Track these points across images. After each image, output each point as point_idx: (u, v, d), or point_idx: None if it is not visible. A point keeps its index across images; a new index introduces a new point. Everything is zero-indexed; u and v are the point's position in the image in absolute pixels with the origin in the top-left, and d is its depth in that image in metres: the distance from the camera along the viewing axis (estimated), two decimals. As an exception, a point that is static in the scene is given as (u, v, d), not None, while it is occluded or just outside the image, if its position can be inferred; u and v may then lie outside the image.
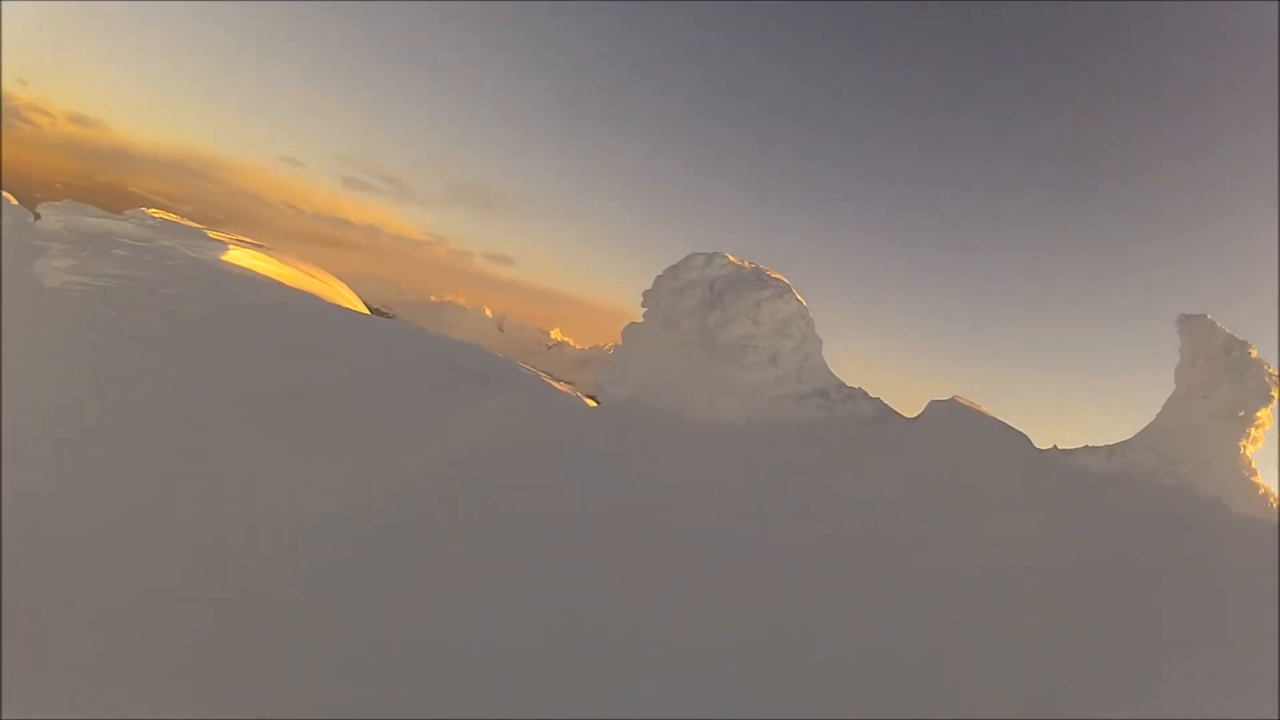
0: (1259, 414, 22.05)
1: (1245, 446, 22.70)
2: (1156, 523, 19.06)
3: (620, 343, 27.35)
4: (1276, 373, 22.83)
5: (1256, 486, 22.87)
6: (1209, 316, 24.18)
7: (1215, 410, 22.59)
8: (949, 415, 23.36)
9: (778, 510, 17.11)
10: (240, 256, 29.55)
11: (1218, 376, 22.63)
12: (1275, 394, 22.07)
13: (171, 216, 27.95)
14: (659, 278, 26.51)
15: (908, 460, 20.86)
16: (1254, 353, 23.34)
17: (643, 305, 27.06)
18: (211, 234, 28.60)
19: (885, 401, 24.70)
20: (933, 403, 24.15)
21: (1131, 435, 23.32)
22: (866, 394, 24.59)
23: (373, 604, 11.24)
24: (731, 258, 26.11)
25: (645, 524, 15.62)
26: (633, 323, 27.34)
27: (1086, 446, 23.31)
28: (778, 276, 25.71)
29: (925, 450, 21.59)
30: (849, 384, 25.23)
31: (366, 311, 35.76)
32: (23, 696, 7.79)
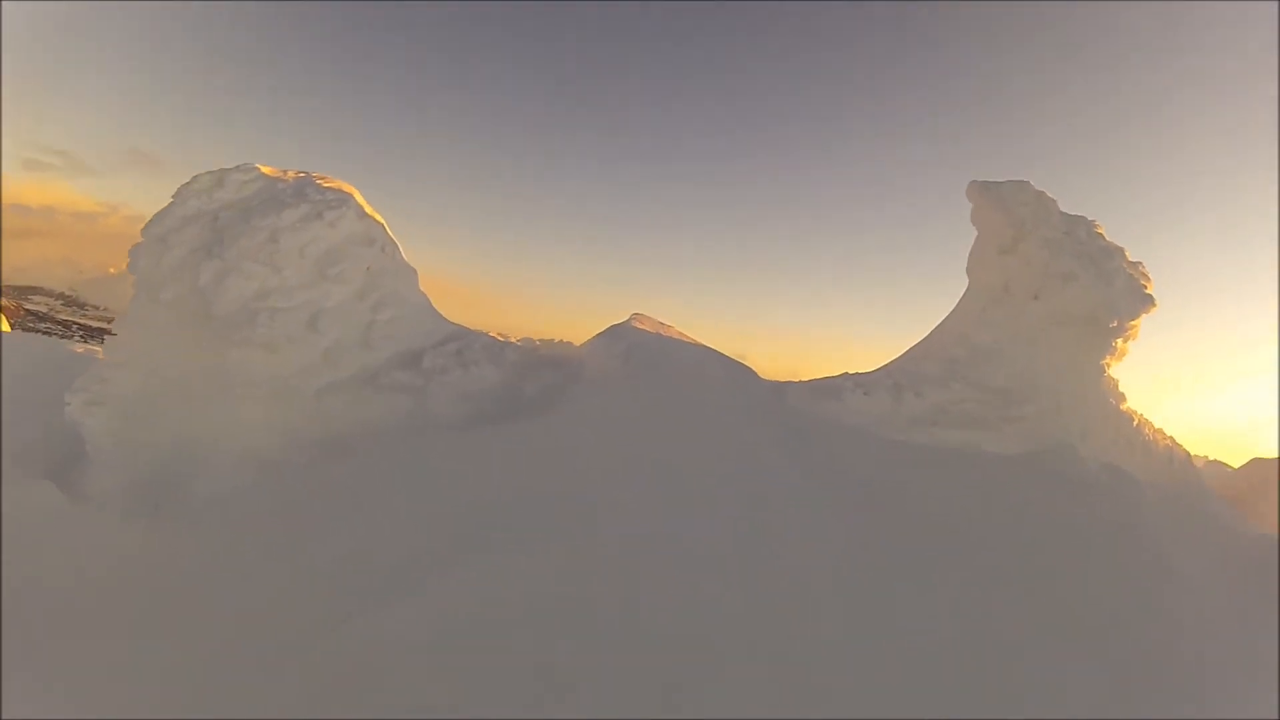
0: (1133, 324, 11.97)
1: (1109, 365, 12.51)
2: (1029, 519, 9.28)
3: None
4: (1143, 265, 13.02)
5: (1129, 418, 12.70)
6: (1032, 184, 13.93)
7: (1060, 316, 12.32)
8: (628, 349, 11.84)
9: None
10: None
11: (1064, 269, 12.35)
12: (1152, 291, 12.14)
13: None
14: (148, 225, 13.14)
15: (562, 439, 9.80)
16: (1100, 230, 13.37)
17: (129, 269, 13.50)
18: None
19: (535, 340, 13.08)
20: (606, 332, 12.82)
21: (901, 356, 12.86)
22: (494, 340, 12.69)
23: None
24: (265, 169, 13.14)
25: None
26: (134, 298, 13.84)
27: (846, 375, 12.57)
28: (336, 185, 12.98)
29: (592, 414, 10.69)
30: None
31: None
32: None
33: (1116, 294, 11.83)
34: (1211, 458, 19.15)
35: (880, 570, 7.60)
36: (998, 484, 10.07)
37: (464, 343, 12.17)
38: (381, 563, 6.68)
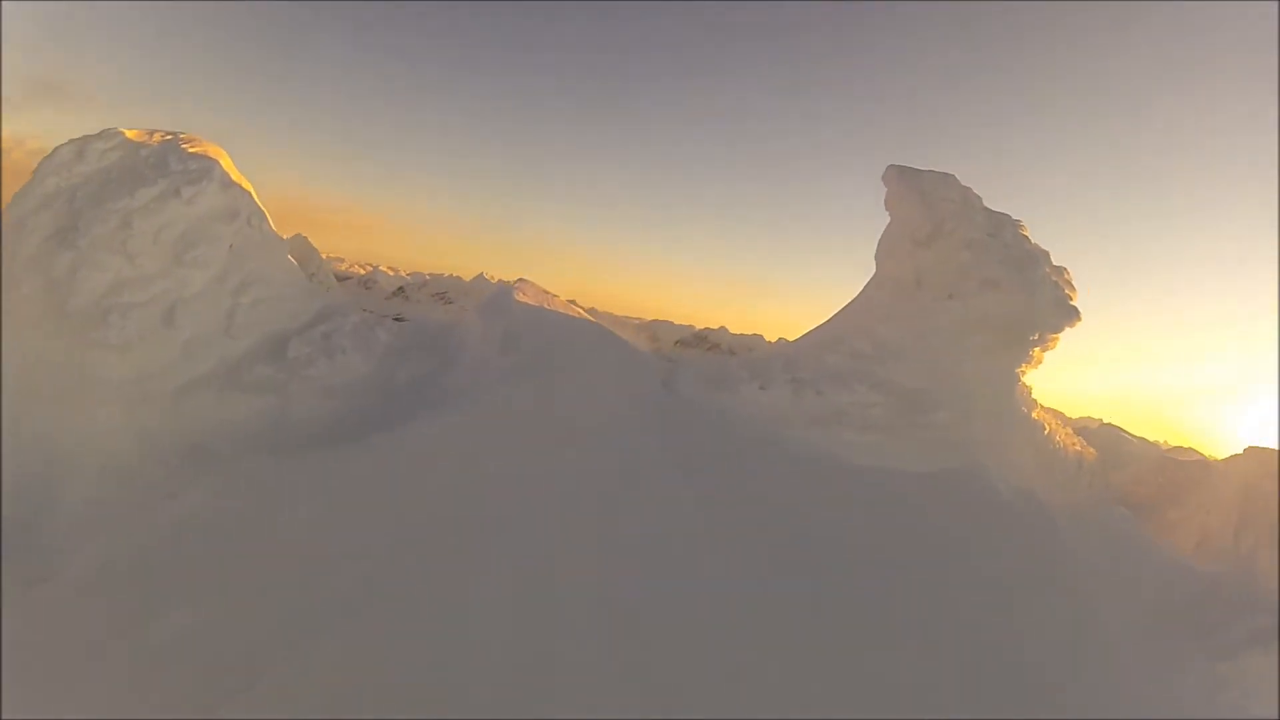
0: (1054, 336, 11.21)
1: (1025, 373, 11.78)
2: (939, 555, 8.06)
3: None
4: (1068, 272, 12.13)
5: (1040, 426, 12.07)
6: (955, 176, 12.89)
7: (977, 321, 11.46)
8: (507, 331, 11.01)
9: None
10: None
11: (986, 274, 11.44)
12: (1076, 302, 11.32)
13: None
14: (8, 206, 12.10)
15: (429, 459, 8.54)
16: (1025, 231, 12.43)
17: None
18: None
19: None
20: (486, 304, 12.18)
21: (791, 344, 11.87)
22: (366, 318, 11.92)
23: None
24: (129, 133, 11.79)
25: None
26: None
27: (741, 359, 11.81)
28: (202, 149, 11.65)
29: (464, 426, 9.42)
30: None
31: None
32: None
33: (1040, 305, 11.00)
34: (1106, 420, 18.81)
35: (771, 612, 6.67)
36: (906, 510, 9.13)
37: (333, 324, 11.14)
38: (226, 650, 5.68)
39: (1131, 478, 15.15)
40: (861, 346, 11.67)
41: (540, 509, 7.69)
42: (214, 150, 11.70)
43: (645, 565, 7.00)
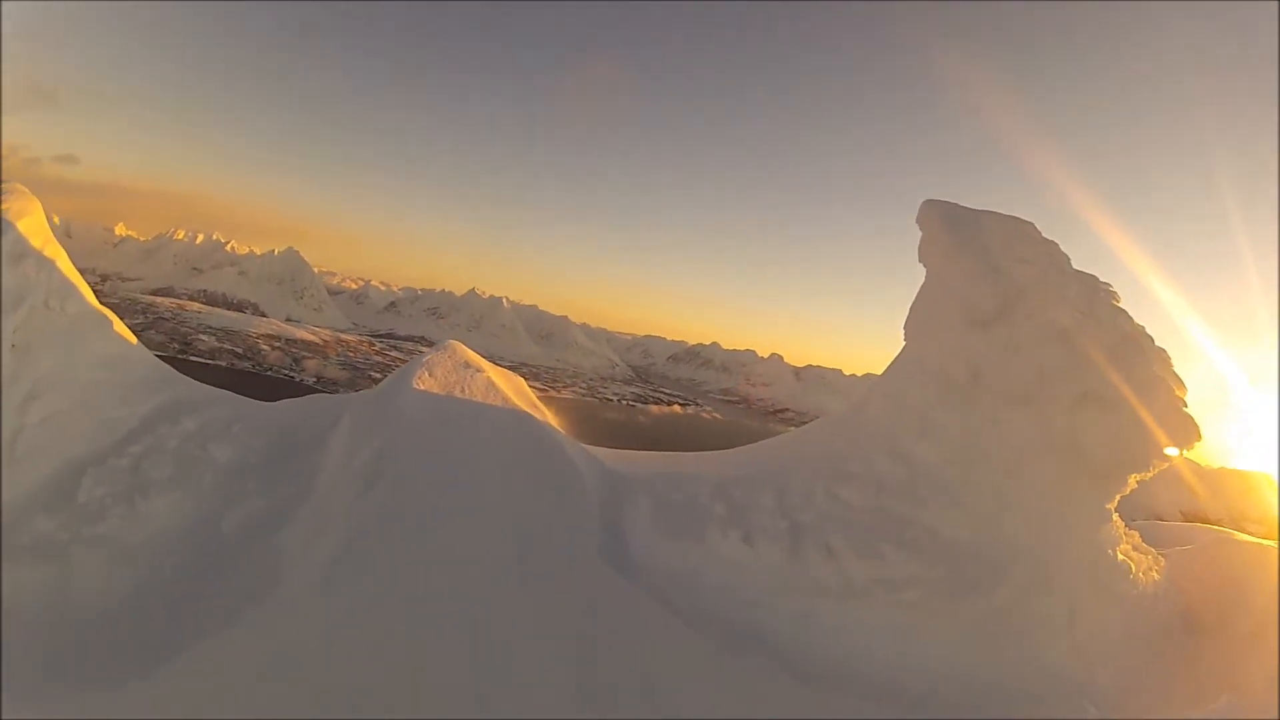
0: (1162, 464, 7.02)
1: (1114, 505, 7.63)
2: None
3: None
4: (1169, 360, 7.74)
5: (1124, 570, 7.86)
6: (1035, 225, 8.53)
7: (1063, 443, 7.32)
8: (377, 455, 7.36)
9: None
10: None
11: (1089, 382, 7.24)
12: (1188, 409, 7.06)
13: None
14: None
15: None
16: (1119, 303, 8.01)
17: None
18: None
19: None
20: (376, 391, 9.10)
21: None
22: (206, 426, 8.33)
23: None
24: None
25: None
26: None
27: (719, 484, 8.04)
28: (6, 207, 7.92)
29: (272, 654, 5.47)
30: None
31: None
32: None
33: (1158, 423, 6.82)
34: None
35: None
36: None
37: (154, 439, 7.59)
38: None
39: (1191, 579, 10.42)
40: (888, 471, 7.69)
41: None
42: (21, 207, 8.07)
43: None
